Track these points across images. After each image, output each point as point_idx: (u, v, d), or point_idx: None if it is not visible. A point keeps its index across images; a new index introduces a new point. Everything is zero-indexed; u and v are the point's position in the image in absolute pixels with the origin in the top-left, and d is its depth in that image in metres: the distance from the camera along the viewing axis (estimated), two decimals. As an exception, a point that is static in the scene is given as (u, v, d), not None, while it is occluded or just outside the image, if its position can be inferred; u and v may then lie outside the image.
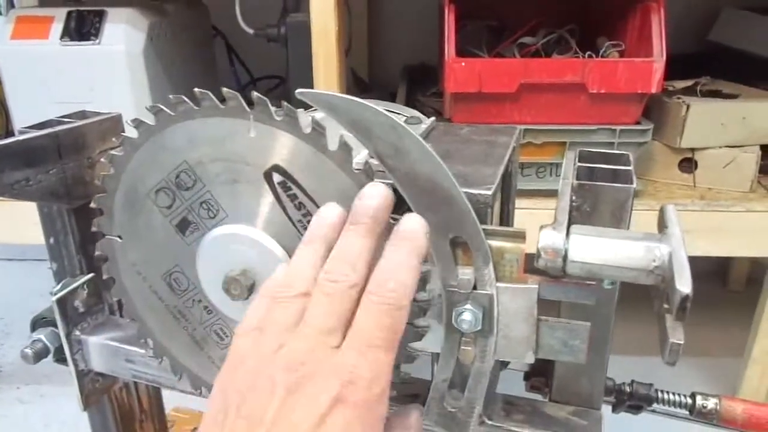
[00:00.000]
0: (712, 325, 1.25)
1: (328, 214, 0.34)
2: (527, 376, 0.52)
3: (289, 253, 0.37)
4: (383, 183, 0.34)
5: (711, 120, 0.98)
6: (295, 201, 0.37)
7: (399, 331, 0.30)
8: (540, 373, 0.51)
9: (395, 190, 0.35)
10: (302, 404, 0.28)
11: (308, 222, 0.37)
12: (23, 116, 0.94)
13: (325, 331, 0.29)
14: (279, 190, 0.37)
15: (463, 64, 0.87)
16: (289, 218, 0.37)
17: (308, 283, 0.31)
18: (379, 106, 0.34)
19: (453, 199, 0.33)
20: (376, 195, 0.32)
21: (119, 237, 0.42)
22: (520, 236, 0.35)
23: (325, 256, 0.32)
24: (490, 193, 0.38)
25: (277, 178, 0.36)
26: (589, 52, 0.97)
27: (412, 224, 0.32)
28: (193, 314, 0.43)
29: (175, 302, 0.43)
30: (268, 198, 0.37)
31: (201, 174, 0.38)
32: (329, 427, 0.27)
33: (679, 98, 0.99)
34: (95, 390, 0.59)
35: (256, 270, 0.39)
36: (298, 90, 0.34)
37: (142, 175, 0.39)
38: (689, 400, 0.47)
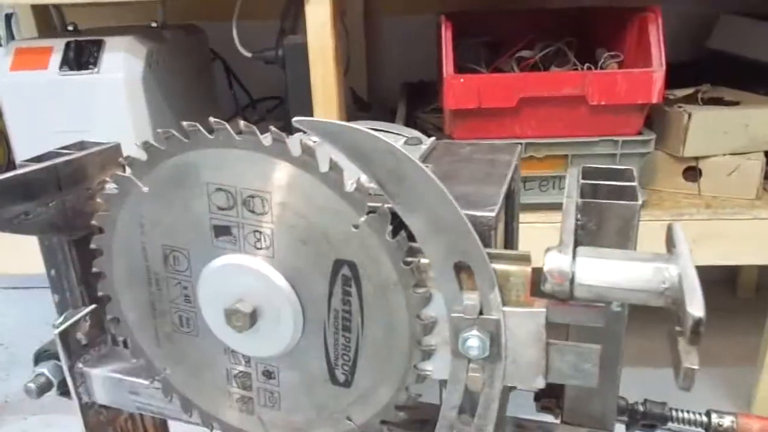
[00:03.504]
0: (724, 334, 1.24)
1: None
2: (537, 397, 0.51)
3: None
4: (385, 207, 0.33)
5: (713, 128, 0.97)
6: (345, 297, 0.37)
7: None
8: (551, 394, 0.50)
9: (396, 215, 0.34)
10: None
11: (344, 319, 0.37)
12: (24, 146, 0.94)
13: None
14: (339, 280, 0.36)
15: (461, 80, 0.87)
16: (329, 304, 0.37)
17: None
18: (379, 129, 0.33)
19: (457, 224, 0.33)
20: None
21: (143, 186, 0.39)
22: (525, 259, 0.34)
23: None
24: (493, 214, 0.37)
25: (345, 271, 0.36)
26: (587, 64, 0.97)
27: None
28: (169, 290, 0.42)
29: (159, 271, 0.42)
30: (322, 278, 0.37)
31: (277, 213, 0.37)
32: None
33: (680, 107, 0.99)
34: (100, 423, 0.59)
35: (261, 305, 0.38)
36: (295, 118, 0.34)
37: (216, 167, 0.37)
38: (704, 418, 0.46)
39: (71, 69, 0.88)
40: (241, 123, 0.35)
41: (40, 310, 1.60)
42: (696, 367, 0.26)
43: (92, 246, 0.43)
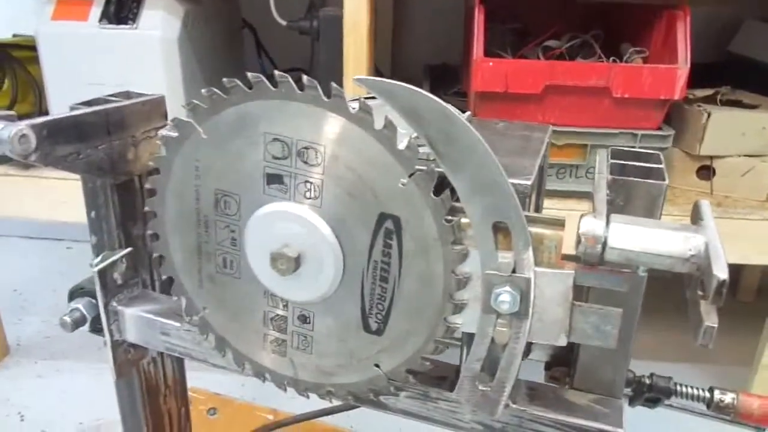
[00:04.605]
0: (722, 335, 1.26)
1: None
2: (548, 366, 0.54)
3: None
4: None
5: (731, 129, 0.99)
6: (386, 249, 0.39)
7: None
8: (561, 363, 0.52)
9: (444, 176, 0.37)
10: None
11: (382, 270, 0.39)
12: (57, 94, 0.96)
13: None
14: (381, 233, 0.38)
15: (490, 63, 0.89)
16: (369, 254, 0.40)
17: None
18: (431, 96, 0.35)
19: (499, 186, 0.35)
20: None
21: (202, 132, 0.41)
22: (560, 224, 0.37)
23: None
24: (529, 183, 0.40)
25: (388, 225, 0.38)
26: (612, 58, 0.99)
27: None
28: (217, 233, 0.44)
29: (209, 213, 0.44)
30: (365, 230, 0.39)
31: (329, 165, 0.39)
32: None
33: (699, 106, 1.01)
34: (127, 361, 0.61)
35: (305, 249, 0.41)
36: (356, 77, 0.36)
37: (275, 118, 0.39)
38: (707, 394, 0.49)
39: (110, 23, 0.90)
40: (305, 78, 0.37)
41: (53, 261, 1.64)
42: (716, 324, 0.29)
43: (147, 186, 0.46)
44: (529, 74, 0.90)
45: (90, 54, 0.91)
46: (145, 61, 0.91)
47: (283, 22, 1.00)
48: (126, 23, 0.90)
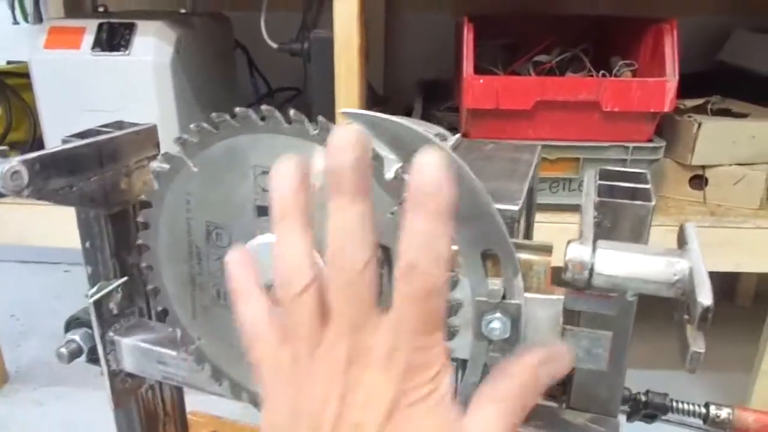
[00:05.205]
0: (721, 341, 1.26)
1: (287, 177, 0.29)
2: (545, 384, 0.54)
3: None
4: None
5: (722, 138, 1.00)
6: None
7: (441, 306, 0.26)
8: (558, 381, 0.53)
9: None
10: (361, 404, 0.26)
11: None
12: (52, 122, 0.97)
13: (360, 325, 0.27)
14: None
15: (481, 81, 0.90)
16: None
17: (309, 270, 0.28)
18: (414, 125, 0.36)
19: (487, 214, 0.36)
20: (348, 148, 0.27)
21: (193, 165, 0.41)
22: (548, 250, 0.37)
23: (307, 228, 0.29)
24: (517, 208, 0.40)
25: (378, 254, 0.37)
26: (602, 71, 1.00)
27: (430, 173, 0.25)
28: (209, 264, 0.44)
29: (201, 245, 0.44)
30: None
31: (318, 196, 0.38)
32: (399, 422, 0.25)
33: (690, 116, 1.02)
34: (125, 390, 0.61)
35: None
36: (342, 109, 0.37)
37: (264, 151, 0.39)
38: (703, 410, 0.49)
39: (103, 50, 0.91)
40: (292, 112, 0.38)
41: (50, 285, 1.64)
42: (702, 350, 0.29)
43: (140, 219, 0.46)
44: (519, 91, 0.90)
45: (83, 81, 0.92)
46: (138, 86, 0.92)
47: (275, 45, 1.01)
48: (118, 50, 0.91)
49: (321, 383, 0.27)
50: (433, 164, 0.25)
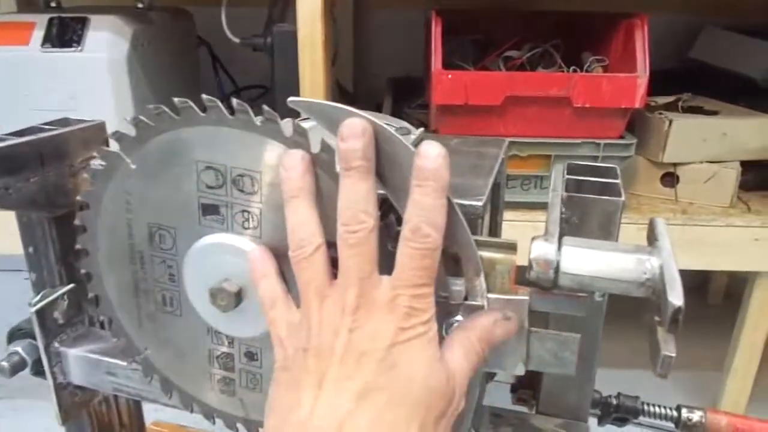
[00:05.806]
0: (693, 339, 1.26)
1: (295, 164, 0.34)
2: (514, 389, 0.52)
3: None
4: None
5: (693, 135, 0.99)
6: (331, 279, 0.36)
7: (435, 265, 0.32)
8: (527, 386, 0.51)
9: (387, 200, 0.35)
10: (367, 337, 0.32)
11: None
12: (2, 122, 0.92)
13: (366, 278, 0.32)
14: None
15: (449, 76, 0.87)
16: None
17: (318, 236, 0.33)
18: (369, 116, 0.33)
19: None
20: (357, 134, 0.32)
21: (131, 162, 0.39)
22: (512, 247, 0.35)
23: (314, 205, 0.34)
24: (480, 204, 0.38)
25: (333, 253, 0.34)
26: (573, 67, 0.98)
27: (433, 160, 0.32)
28: (154, 269, 0.42)
29: (143, 249, 0.41)
30: None
31: (267, 193, 0.36)
32: (398, 352, 0.31)
33: (661, 114, 1.01)
34: (74, 404, 0.58)
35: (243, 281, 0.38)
36: (290, 99, 0.34)
37: (207, 145, 0.37)
38: (675, 413, 0.47)
39: (54, 46, 0.87)
40: (234, 101, 0.35)
41: (10, 293, 1.57)
42: (673, 354, 0.27)
43: (77, 222, 0.43)
44: (488, 86, 0.88)
45: (33, 79, 0.88)
46: (92, 84, 0.88)
47: (236, 40, 0.98)
48: (70, 46, 0.86)
49: (331, 323, 0.32)
50: (434, 152, 0.32)
